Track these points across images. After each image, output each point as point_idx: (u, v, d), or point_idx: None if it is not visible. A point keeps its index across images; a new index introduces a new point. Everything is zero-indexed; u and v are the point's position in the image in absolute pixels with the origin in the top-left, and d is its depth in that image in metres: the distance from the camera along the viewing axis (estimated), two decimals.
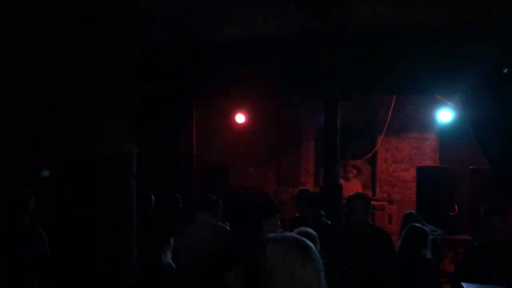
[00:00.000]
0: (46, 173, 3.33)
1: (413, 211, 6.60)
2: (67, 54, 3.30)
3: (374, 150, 10.89)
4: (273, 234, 2.13)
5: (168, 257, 4.89)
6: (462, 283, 3.80)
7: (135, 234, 3.45)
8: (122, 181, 3.41)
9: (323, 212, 5.83)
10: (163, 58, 8.60)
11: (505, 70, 7.22)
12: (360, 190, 10.31)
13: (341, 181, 9.41)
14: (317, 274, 2.01)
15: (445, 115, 8.94)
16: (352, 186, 10.20)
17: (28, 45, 3.39)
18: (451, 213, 8.42)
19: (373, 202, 10.04)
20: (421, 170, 9.22)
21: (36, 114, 3.33)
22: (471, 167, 8.56)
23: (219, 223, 5.23)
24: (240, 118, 10.29)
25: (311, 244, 2.09)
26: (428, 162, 10.46)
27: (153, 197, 5.85)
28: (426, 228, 4.83)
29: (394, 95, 9.75)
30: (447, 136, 9.91)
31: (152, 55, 8.20)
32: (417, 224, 4.88)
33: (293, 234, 2.16)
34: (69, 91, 3.35)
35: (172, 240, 5.15)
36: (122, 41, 3.34)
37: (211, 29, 7.89)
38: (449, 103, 8.88)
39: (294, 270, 1.97)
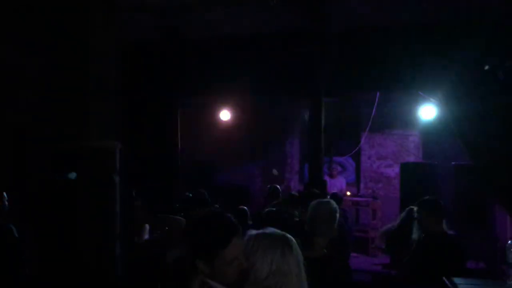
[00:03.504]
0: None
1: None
2: (49, 50, 3.26)
3: (358, 147, 10.95)
4: (254, 231, 2.20)
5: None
6: (444, 278, 3.83)
7: (119, 230, 3.43)
8: (105, 177, 3.38)
9: None
10: (148, 54, 8.54)
11: (487, 67, 7.30)
12: (344, 187, 10.38)
13: (326, 177, 9.46)
14: (297, 265, 2.12)
15: (428, 111, 9.01)
16: (336, 183, 10.24)
17: (9, 41, 3.34)
18: None
19: (357, 199, 10.17)
20: (404, 167, 9.28)
21: (21, 110, 3.29)
22: (453, 163, 8.64)
23: None
24: (225, 115, 10.26)
25: (292, 238, 2.19)
26: (411, 159, 10.55)
27: (134, 194, 5.80)
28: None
29: (378, 92, 9.80)
30: (430, 132, 9.99)
31: (137, 51, 8.14)
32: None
33: (274, 229, 2.24)
34: (52, 87, 3.31)
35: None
36: (103, 34, 3.31)
37: (195, 26, 7.86)
38: (432, 99, 8.96)
39: (274, 262, 2.07)
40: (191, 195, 6.14)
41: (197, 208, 5.44)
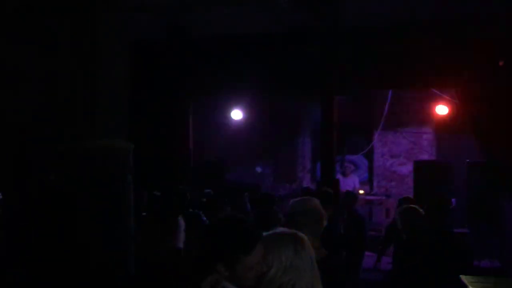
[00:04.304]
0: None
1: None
2: (57, 49, 3.27)
3: (371, 145, 10.88)
4: (266, 232, 2.23)
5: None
6: (460, 276, 3.80)
7: (133, 229, 3.43)
8: (119, 177, 3.39)
9: None
10: (157, 55, 8.56)
11: (501, 63, 7.22)
12: (357, 185, 10.32)
13: (339, 176, 9.41)
14: (310, 261, 2.19)
15: (441, 109, 8.93)
16: (349, 182, 10.18)
17: (17, 41, 3.36)
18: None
19: (370, 197, 10.11)
20: (418, 164, 9.21)
21: (24, 110, 3.30)
22: (467, 160, 8.55)
23: None
24: (236, 114, 10.26)
25: (303, 235, 2.25)
26: (425, 156, 10.46)
27: (146, 193, 5.81)
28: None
29: (391, 90, 9.73)
30: (444, 130, 9.90)
31: (146, 52, 8.16)
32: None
33: (284, 228, 2.28)
34: (62, 86, 3.33)
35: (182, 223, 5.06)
36: (109, 34, 3.32)
37: (206, 25, 7.86)
38: (446, 97, 8.87)
39: (287, 259, 2.13)
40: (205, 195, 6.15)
41: (215, 209, 5.46)
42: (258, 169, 11.15)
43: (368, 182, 11.14)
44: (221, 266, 2.02)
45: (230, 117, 10.33)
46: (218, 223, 2.17)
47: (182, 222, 5.08)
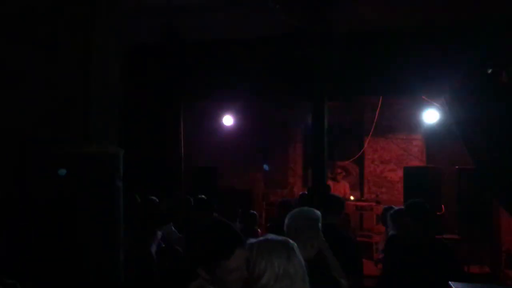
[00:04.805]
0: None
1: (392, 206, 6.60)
2: (50, 54, 3.27)
3: (361, 151, 10.93)
4: (255, 239, 2.25)
5: (152, 249, 4.87)
6: (450, 282, 3.82)
7: (121, 235, 3.43)
8: (109, 183, 3.39)
9: None
10: (149, 59, 8.55)
11: (490, 71, 7.29)
12: (348, 191, 10.36)
13: (330, 182, 9.45)
14: (301, 268, 2.21)
15: (431, 115, 8.99)
16: (340, 187, 10.23)
17: (11, 42, 3.35)
18: (438, 213, 8.48)
19: (361, 203, 10.15)
20: (408, 171, 9.26)
21: (22, 112, 3.30)
22: (457, 167, 8.62)
23: None
24: (228, 120, 10.29)
25: (293, 242, 2.28)
26: (415, 163, 10.53)
27: (138, 198, 5.81)
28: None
29: (381, 96, 9.79)
30: (434, 136, 9.97)
31: (138, 56, 8.15)
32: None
33: (274, 235, 2.30)
34: (61, 87, 3.33)
35: (159, 233, 5.14)
36: (104, 37, 3.32)
37: (198, 29, 7.86)
38: (435, 104, 8.94)
39: (281, 266, 2.14)
40: (191, 199, 6.18)
41: (199, 212, 5.48)
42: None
43: (358, 188, 11.19)
44: (202, 271, 2.04)
45: (221, 122, 10.35)
46: (199, 229, 2.19)
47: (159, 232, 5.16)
